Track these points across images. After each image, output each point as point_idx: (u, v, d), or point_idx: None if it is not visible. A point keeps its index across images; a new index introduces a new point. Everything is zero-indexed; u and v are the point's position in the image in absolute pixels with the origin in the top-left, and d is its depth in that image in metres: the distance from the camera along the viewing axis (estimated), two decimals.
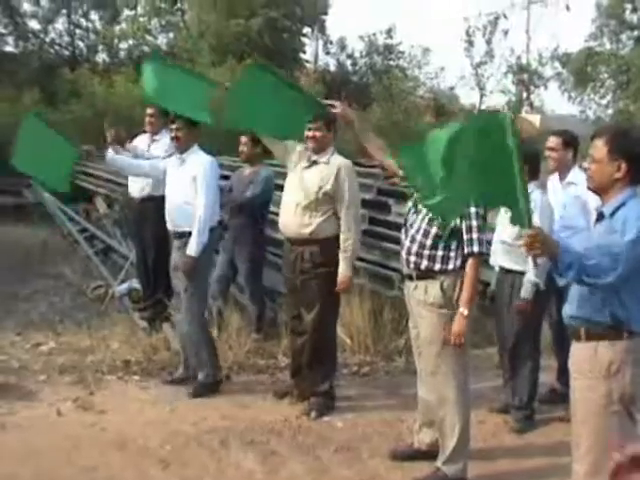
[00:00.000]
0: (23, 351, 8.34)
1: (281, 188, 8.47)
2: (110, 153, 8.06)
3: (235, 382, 7.72)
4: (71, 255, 13.10)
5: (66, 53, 32.13)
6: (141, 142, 9.28)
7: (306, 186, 6.81)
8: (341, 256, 6.74)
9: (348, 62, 35.92)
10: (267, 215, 9.12)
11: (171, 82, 7.44)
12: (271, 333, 8.63)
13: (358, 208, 6.90)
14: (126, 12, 33.58)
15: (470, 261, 5.50)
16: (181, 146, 7.53)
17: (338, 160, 6.83)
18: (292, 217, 6.85)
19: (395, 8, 57.32)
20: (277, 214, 7.34)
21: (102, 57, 32.48)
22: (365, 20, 55.03)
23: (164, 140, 9.00)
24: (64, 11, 32.41)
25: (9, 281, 11.30)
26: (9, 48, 31.05)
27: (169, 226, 7.61)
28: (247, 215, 8.70)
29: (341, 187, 6.72)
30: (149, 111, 9.35)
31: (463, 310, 5.47)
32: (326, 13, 34.02)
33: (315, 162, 6.84)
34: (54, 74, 26.66)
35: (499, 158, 4.18)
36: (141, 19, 32.97)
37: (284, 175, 10.43)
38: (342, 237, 6.73)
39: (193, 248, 7.22)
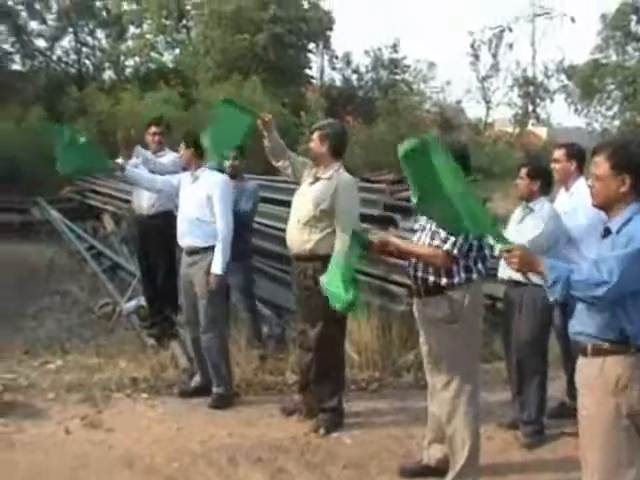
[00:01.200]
0: (31, 369, 8.30)
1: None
2: (128, 168, 8.11)
3: (243, 399, 7.69)
4: (78, 273, 13.09)
5: (73, 71, 32.22)
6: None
7: (306, 202, 6.80)
8: None
9: (354, 77, 36.00)
10: (252, 227, 9.18)
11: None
12: (279, 350, 8.62)
13: (355, 226, 6.69)
14: (132, 30, 33.75)
15: (434, 249, 5.54)
16: (189, 166, 7.61)
17: (340, 176, 6.80)
18: (295, 233, 6.86)
19: (400, 23, 57.46)
20: (282, 229, 7.35)
21: (108, 74, 32.60)
22: (370, 35, 55.10)
23: (167, 157, 9.05)
24: (70, 29, 32.50)
25: (16, 299, 11.29)
26: (16, 66, 31.19)
27: (181, 242, 7.65)
28: (235, 227, 8.57)
29: (337, 204, 6.68)
30: (153, 130, 9.37)
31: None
32: (331, 28, 34.07)
33: (318, 178, 6.84)
34: (61, 92, 26.77)
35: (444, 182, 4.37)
36: (147, 36, 33.10)
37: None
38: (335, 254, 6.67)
39: (218, 266, 7.31)
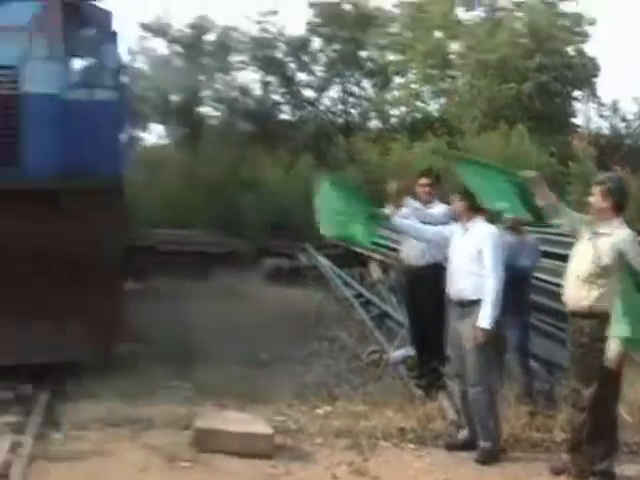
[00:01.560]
0: (300, 413, 8.50)
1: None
2: (396, 218, 8.22)
3: (509, 456, 7.57)
4: (346, 319, 13.34)
5: (340, 120, 33.07)
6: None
7: (586, 258, 6.69)
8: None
9: (621, 125, 34.95)
10: (530, 282, 9.02)
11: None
12: (548, 407, 8.43)
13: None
14: (397, 80, 34.23)
15: None
16: (460, 218, 7.64)
17: (621, 232, 6.64)
18: (572, 289, 6.78)
19: None
20: (556, 284, 7.23)
21: (374, 123, 33.18)
22: (637, 82, 53.13)
23: (437, 208, 9.09)
24: (337, 80, 33.46)
25: (287, 343, 11.63)
26: (285, 116, 32.47)
27: (450, 293, 7.67)
28: (513, 283, 8.41)
29: (617, 260, 6.50)
30: (423, 181, 9.45)
31: None
32: (596, 75, 33.28)
33: (598, 234, 6.69)
34: (328, 141, 27.55)
35: None
36: (412, 86, 33.48)
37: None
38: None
39: (486, 320, 7.28)
